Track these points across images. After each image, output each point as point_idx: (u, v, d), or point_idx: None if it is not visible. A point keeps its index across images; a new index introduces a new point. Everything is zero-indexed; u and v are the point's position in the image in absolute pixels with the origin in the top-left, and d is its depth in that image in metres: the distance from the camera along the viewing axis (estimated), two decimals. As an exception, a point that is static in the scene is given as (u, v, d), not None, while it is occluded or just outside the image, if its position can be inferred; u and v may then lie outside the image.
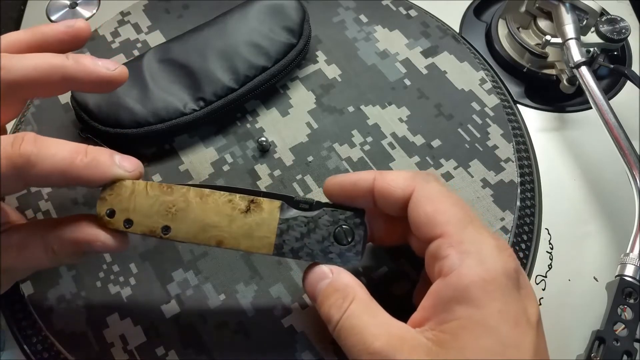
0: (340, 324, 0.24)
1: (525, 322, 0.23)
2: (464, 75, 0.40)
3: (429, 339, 0.23)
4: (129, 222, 0.26)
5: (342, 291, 0.25)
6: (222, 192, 0.26)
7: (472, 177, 0.36)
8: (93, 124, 0.36)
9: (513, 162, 0.37)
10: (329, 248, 0.27)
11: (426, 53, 0.42)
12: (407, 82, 0.40)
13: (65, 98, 0.40)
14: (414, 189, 0.26)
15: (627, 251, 0.32)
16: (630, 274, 0.31)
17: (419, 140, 0.38)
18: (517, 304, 0.23)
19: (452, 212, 0.25)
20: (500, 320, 0.22)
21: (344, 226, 0.27)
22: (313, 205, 0.27)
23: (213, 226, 0.26)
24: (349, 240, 0.27)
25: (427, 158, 0.37)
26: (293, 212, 0.27)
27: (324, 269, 0.26)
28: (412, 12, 0.44)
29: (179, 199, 0.26)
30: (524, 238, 0.35)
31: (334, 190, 0.28)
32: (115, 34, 0.44)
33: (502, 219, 0.34)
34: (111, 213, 0.26)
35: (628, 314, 0.30)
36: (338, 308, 0.25)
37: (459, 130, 0.38)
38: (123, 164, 0.26)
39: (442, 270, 0.24)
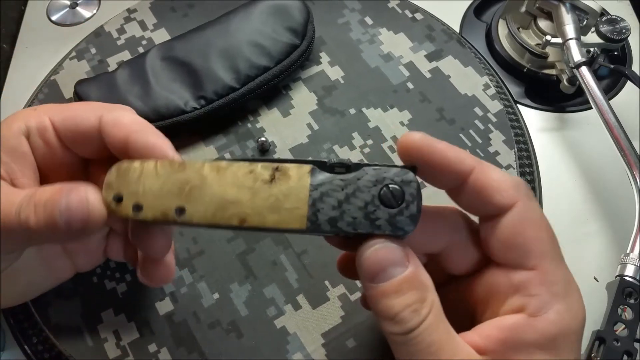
0: (416, 334, 0.21)
1: None
2: (468, 80, 0.40)
3: None
4: (138, 207, 0.23)
5: (421, 292, 0.21)
6: (241, 163, 0.23)
7: (472, 182, 0.36)
8: (95, 119, 0.36)
9: (514, 169, 0.36)
10: (374, 213, 0.21)
11: (430, 57, 0.41)
12: (410, 85, 0.40)
13: (68, 93, 0.40)
14: (517, 201, 0.22)
15: (627, 251, 0.32)
16: (631, 274, 0.31)
17: (419, 144, 0.37)
18: (579, 355, 0.23)
19: (550, 244, 0.22)
20: None
21: (390, 186, 0.22)
22: (351, 168, 0.22)
23: (233, 202, 0.22)
24: (399, 202, 0.21)
25: (427, 162, 0.37)
26: (326, 176, 0.22)
27: (399, 251, 0.21)
28: (418, 16, 0.44)
29: (193, 176, 0.23)
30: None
31: (415, 150, 0.22)
32: (121, 30, 0.44)
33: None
34: (119, 199, 0.23)
35: (628, 314, 0.30)
36: (415, 313, 0.21)
37: (461, 135, 0.38)
38: None
39: (526, 307, 0.22)
